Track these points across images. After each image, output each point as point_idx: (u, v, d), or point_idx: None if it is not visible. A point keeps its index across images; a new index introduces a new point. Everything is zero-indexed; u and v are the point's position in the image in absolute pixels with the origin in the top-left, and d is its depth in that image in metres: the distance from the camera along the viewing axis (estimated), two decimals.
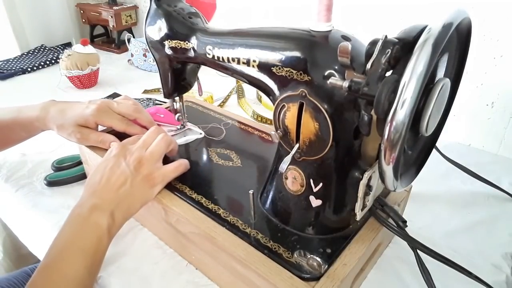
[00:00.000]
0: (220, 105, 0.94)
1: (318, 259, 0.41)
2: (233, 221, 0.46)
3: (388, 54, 0.32)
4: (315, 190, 0.42)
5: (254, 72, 0.44)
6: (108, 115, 0.59)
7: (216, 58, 0.48)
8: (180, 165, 0.53)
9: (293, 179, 0.43)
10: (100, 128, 0.62)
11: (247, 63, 0.44)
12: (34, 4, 1.28)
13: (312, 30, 0.39)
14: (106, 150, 0.59)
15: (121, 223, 0.47)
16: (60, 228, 0.44)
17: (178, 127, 0.65)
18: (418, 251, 0.43)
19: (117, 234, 0.55)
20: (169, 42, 0.53)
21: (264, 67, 0.42)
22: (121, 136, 0.59)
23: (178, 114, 0.65)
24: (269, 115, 0.88)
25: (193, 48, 0.51)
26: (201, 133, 0.65)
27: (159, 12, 0.53)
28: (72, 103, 0.63)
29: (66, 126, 0.59)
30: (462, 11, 0.33)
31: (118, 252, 0.53)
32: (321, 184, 0.42)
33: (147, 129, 0.58)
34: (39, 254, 0.65)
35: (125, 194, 0.47)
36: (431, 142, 0.43)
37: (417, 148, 0.41)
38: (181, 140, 0.63)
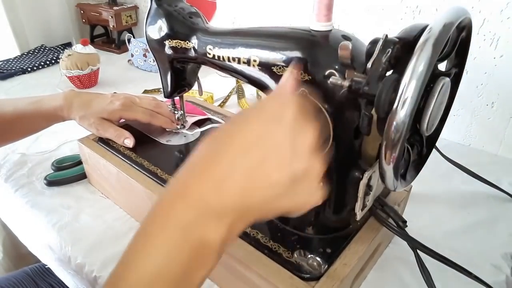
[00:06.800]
0: (220, 105, 0.94)
1: (318, 259, 0.41)
2: None
3: (389, 54, 0.32)
4: None
5: (254, 71, 0.44)
6: (132, 109, 0.63)
7: (216, 57, 0.48)
8: None
9: None
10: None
11: (248, 62, 0.44)
12: (34, 4, 1.28)
13: (313, 30, 0.39)
14: (107, 148, 0.60)
15: None
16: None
17: (178, 127, 0.65)
18: (418, 251, 0.43)
19: (117, 234, 0.56)
20: (170, 42, 0.53)
21: (265, 66, 0.42)
22: (134, 132, 0.62)
23: (178, 114, 0.65)
24: None
25: (194, 48, 0.51)
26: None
27: (160, 12, 0.53)
28: (94, 95, 0.64)
29: (88, 117, 0.61)
30: (462, 10, 0.33)
31: (118, 251, 0.53)
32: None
33: None
34: (38, 254, 0.65)
35: None
36: (431, 142, 0.43)
37: (417, 148, 0.41)
38: (198, 130, 0.65)
